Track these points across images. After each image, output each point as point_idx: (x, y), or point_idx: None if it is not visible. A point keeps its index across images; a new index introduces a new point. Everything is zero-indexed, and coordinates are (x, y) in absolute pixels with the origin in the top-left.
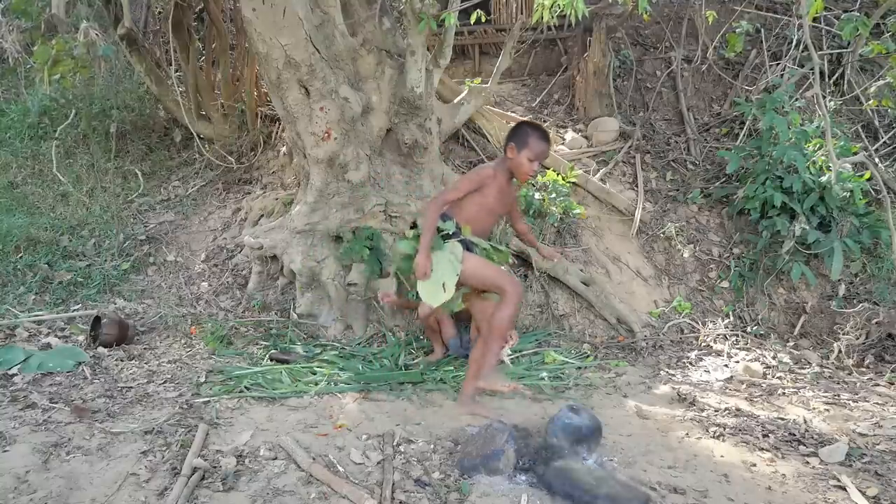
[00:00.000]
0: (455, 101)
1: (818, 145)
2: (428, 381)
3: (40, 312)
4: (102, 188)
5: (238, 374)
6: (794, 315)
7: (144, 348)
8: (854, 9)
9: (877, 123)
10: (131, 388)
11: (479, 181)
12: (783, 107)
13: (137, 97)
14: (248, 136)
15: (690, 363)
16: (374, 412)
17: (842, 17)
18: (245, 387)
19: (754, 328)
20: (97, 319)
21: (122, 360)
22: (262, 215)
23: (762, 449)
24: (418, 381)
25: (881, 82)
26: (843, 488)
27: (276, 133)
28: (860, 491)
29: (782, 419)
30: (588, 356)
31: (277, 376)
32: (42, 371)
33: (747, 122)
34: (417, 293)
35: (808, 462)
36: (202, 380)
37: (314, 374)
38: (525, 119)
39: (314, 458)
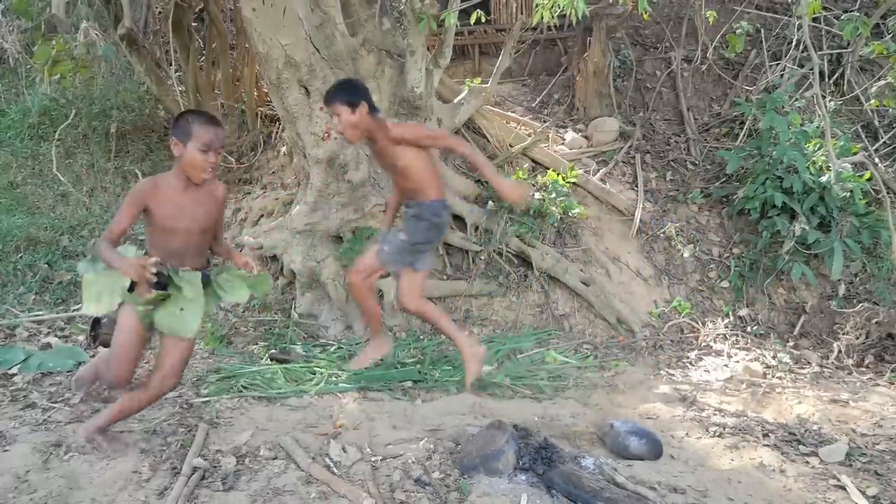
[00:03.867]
0: (455, 101)
1: (818, 145)
2: (429, 379)
3: (40, 312)
4: (102, 188)
5: (236, 372)
6: (794, 315)
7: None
8: (854, 9)
9: (877, 123)
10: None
11: (138, 202)
12: (783, 107)
13: (137, 97)
14: (248, 136)
15: (690, 363)
16: (374, 412)
17: (842, 17)
18: (242, 385)
19: (754, 328)
20: (97, 319)
21: None
22: (262, 215)
23: (762, 448)
24: (417, 379)
25: (882, 82)
26: (843, 488)
27: (276, 133)
28: (860, 490)
29: (782, 419)
30: (588, 356)
31: (275, 376)
32: (42, 371)
33: (747, 122)
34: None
35: (808, 462)
36: (201, 379)
37: (313, 374)
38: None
39: (313, 458)
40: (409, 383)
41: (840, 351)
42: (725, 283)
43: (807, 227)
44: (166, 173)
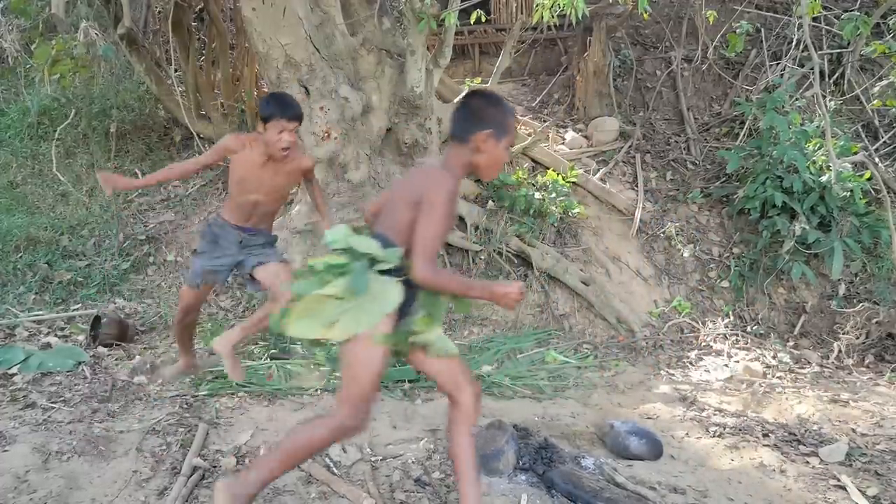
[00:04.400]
0: (455, 100)
1: (818, 145)
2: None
3: (40, 312)
4: (102, 188)
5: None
6: (794, 315)
7: (144, 348)
8: (854, 8)
9: (877, 123)
10: (131, 387)
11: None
12: (783, 106)
13: (137, 97)
14: None
15: (690, 363)
16: (373, 411)
17: (842, 16)
18: (238, 384)
19: (754, 328)
20: (97, 319)
21: (122, 360)
22: None
23: (762, 448)
24: (413, 378)
25: (884, 82)
26: (843, 488)
27: None
28: (860, 490)
29: (782, 419)
30: (588, 356)
31: (270, 373)
32: (42, 371)
33: (747, 122)
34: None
35: (808, 462)
36: (199, 378)
37: (309, 371)
38: (473, 89)
39: (313, 458)
40: (408, 383)
41: (840, 351)
42: (725, 283)
43: (807, 227)
44: (450, 169)
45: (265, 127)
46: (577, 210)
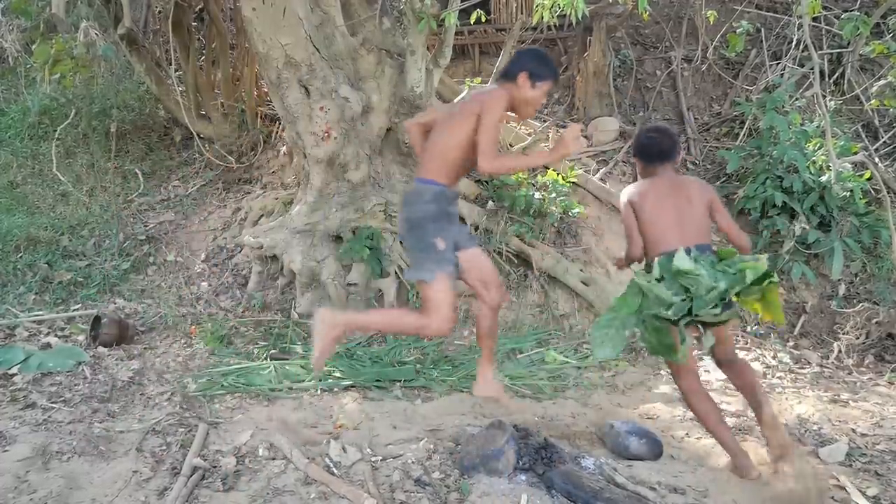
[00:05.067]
0: (455, 100)
1: (818, 145)
2: (426, 378)
3: (40, 312)
4: (102, 188)
5: (224, 370)
6: (794, 315)
7: (144, 348)
8: (854, 8)
9: (877, 123)
10: (131, 387)
11: None
12: (783, 106)
13: (137, 97)
14: (248, 136)
15: None
16: (374, 412)
17: (842, 16)
18: (233, 384)
19: (754, 328)
20: (97, 319)
21: (122, 360)
22: (262, 215)
23: (762, 449)
24: (411, 377)
25: (882, 82)
26: (843, 488)
27: (276, 133)
28: (860, 491)
29: (782, 419)
30: (588, 356)
31: (271, 374)
32: (42, 371)
33: (747, 122)
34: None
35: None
36: (197, 378)
37: (308, 371)
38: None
39: (313, 459)
40: (407, 382)
41: (840, 351)
42: None
43: (807, 227)
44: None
45: (533, 84)
46: (577, 210)
